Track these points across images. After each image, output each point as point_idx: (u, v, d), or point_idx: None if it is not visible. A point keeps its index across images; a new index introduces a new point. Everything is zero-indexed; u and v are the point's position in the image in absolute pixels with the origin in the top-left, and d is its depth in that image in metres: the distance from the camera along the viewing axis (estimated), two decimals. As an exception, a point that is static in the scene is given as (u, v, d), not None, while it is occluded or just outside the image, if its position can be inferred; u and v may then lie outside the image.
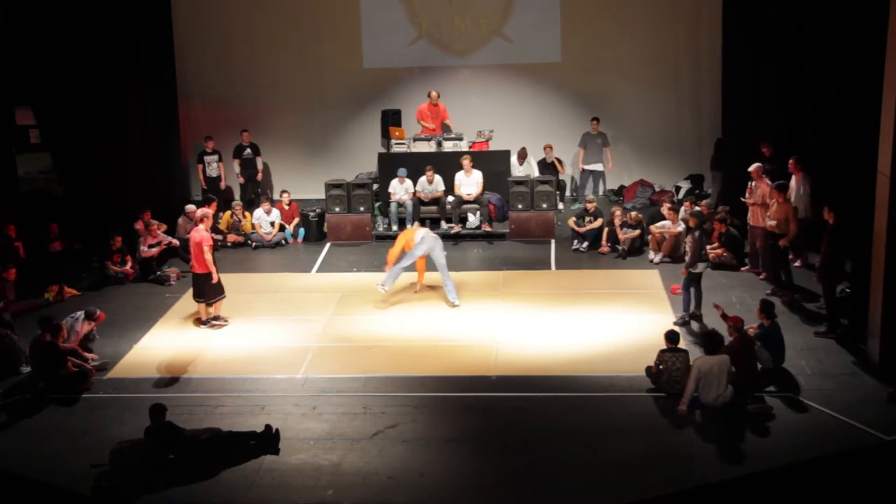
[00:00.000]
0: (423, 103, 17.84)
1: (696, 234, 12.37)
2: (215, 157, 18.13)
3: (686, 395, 10.21)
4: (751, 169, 14.03)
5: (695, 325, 12.45)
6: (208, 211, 13.49)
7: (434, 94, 17.69)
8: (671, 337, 10.75)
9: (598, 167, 18.15)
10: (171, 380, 11.47)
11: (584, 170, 18.20)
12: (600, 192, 18.29)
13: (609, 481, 9.11)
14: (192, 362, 11.95)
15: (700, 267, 12.42)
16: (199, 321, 13.06)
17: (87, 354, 11.81)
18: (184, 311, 13.59)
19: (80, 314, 12.00)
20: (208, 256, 12.67)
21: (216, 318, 13.05)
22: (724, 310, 11.33)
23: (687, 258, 12.51)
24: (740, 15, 16.56)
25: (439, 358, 11.87)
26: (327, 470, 9.38)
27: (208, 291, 12.83)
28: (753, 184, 13.94)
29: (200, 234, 12.76)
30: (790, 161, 14.07)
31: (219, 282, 12.87)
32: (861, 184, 11.52)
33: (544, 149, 17.94)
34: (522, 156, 17.82)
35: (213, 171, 18.12)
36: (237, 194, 18.46)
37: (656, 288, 13.90)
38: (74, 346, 11.66)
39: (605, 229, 15.71)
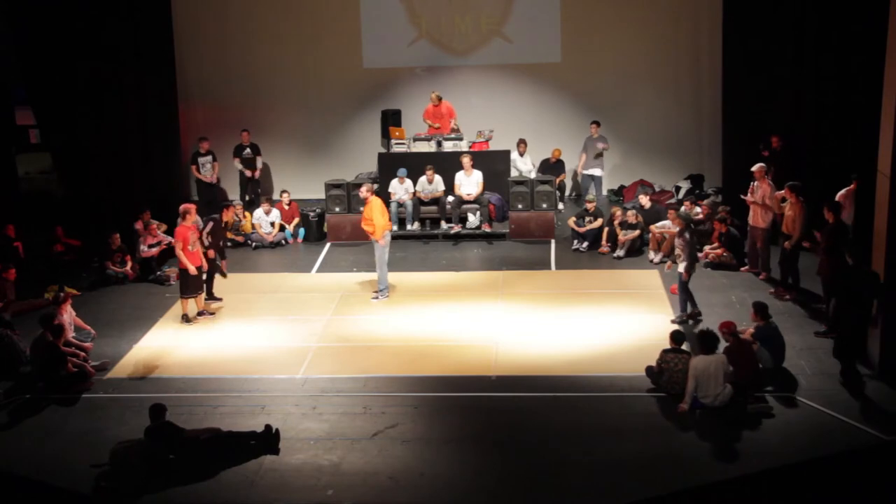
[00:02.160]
0: (428, 104, 17.95)
1: (687, 235, 12.35)
2: (209, 157, 18.16)
3: (687, 394, 10.21)
4: (754, 169, 14.00)
5: (691, 324, 12.45)
6: (190, 206, 13.34)
7: (434, 95, 17.71)
8: (676, 337, 10.74)
9: (596, 171, 18.14)
10: (171, 380, 11.46)
11: (583, 174, 18.22)
12: (604, 194, 18.33)
13: (609, 481, 9.11)
14: (192, 362, 11.95)
15: (691, 270, 12.40)
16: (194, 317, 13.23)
17: (83, 344, 11.92)
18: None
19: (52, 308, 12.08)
20: (178, 252, 12.85)
21: (200, 312, 13.20)
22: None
23: (683, 260, 12.40)
24: (740, 15, 16.57)
25: (439, 358, 11.87)
26: (327, 470, 9.38)
27: (184, 286, 13.01)
28: (756, 184, 13.92)
29: (177, 230, 13.08)
30: (854, 182, 13.68)
31: (194, 279, 12.99)
32: (861, 184, 11.55)
33: (553, 153, 17.95)
34: (523, 143, 17.82)
35: (207, 171, 18.15)
36: (237, 194, 18.48)
37: (656, 288, 13.90)
38: (70, 337, 11.75)
39: (605, 229, 15.72)
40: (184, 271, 12.90)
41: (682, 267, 12.34)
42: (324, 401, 10.78)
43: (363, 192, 13.94)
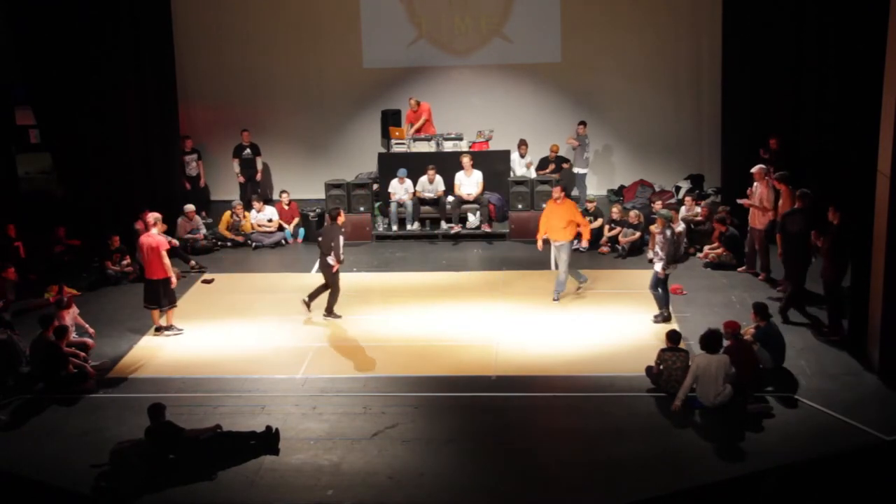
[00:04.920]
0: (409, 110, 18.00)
1: (668, 233, 12.35)
2: (194, 156, 18.23)
3: (682, 392, 10.22)
4: (753, 170, 14.01)
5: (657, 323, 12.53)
6: (158, 215, 12.85)
7: (412, 101, 17.77)
8: (672, 337, 10.76)
9: (583, 170, 18.05)
10: (170, 380, 11.46)
11: (576, 174, 18.19)
12: (596, 194, 18.27)
13: (609, 481, 9.11)
14: (192, 362, 11.95)
15: (668, 268, 12.43)
16: (158, 330, 12.76)
17: (84, 341, 11.93)
18: (183, 311, 13.55)
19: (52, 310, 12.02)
20: (166, 261, 12.41)
21: (169, 327, 12.75)
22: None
23: (660, 259, 12.40)
24: (740, 15, 16.56)
25: (439, 358, 11.87)
26: (327, 470, 9.38)
27: (163, 297, 12.52)
28: (755, 185, 13.92)
29: (156, 239, 12.46)
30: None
31: (173, 289, 12.61)
32: (861, 184, 11.52)
33: (551, 149, 17.94)
34: (524, 144, 17.81)
35: (192, 169, 18.24)
36: (236, 194, 18.48)
37: (656, 288, 13.90)
38: (72, 339, 11.74)
39: (606, 227, 15.73)
40: (163, 281, 12.37)
41: (659, 266, 12.36)
42: (324, 401, 10.78)
43: (557, 192, 13.53)
